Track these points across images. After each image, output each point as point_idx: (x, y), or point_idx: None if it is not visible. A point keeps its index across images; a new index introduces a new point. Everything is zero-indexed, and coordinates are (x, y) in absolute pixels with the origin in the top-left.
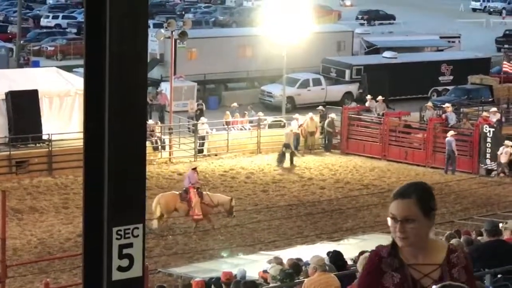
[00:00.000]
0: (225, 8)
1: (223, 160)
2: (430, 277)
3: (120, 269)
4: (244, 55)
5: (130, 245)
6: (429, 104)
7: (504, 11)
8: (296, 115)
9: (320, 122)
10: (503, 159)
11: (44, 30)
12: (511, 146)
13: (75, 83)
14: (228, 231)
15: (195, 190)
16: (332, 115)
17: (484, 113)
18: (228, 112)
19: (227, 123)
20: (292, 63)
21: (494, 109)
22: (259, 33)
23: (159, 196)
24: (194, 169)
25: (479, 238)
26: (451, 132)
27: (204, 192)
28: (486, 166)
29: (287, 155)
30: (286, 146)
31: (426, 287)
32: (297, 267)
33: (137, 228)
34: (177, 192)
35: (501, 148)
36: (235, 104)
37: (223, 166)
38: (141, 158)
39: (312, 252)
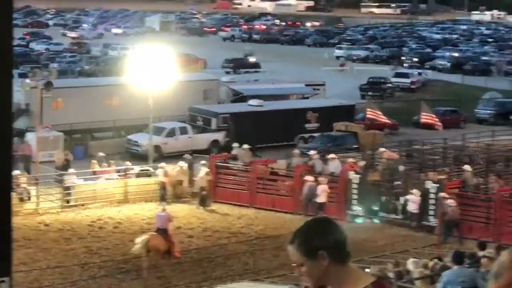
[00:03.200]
0: (90, 57)
1: (90, 210)
2: None
3: None
4: (111, 104)
5: None
6: (296, 151)
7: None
8: (163, 164)
9: (189, 170)
10: (413, 207)
11: None
12: (313, 180)
13: None
14: (95, 281)
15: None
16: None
17: (350, 159)
18: (94, 161)
19: (94, 173)
20: (159, 112)
21: (333, 156)
22: (125, 82)
23: (146, 238)
24: (164, 210)
25: None
26: (309, 177)
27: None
28: (352, 212)
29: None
30: (202, 189)
31: None
32: None
33: (4, 281)
34: (154, 233)
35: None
36: (101, 154)
37: (91, 216)
38: (7, 209)
39: None
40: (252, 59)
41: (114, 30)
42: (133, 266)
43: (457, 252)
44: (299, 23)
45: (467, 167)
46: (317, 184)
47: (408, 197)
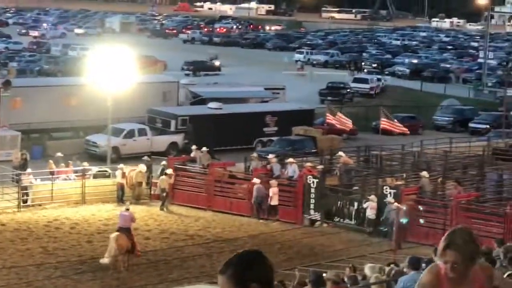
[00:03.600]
0: (50, 57)
1: (47, 211)
2: None
3: None
4: (69, 104)
5: None
6: (254, 154)
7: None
8: (121, 165)
9: (146, 172)
10: (370, 213)
11: None
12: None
13: None
14: (51, 282)
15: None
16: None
17: (308, 164)
18: (51, 161)
19: (52, 173)
20: (118, 113)
21: (291, 160)
22: (85, 82)
23: (115, 237)
24: (128, 209)
25: None
26: (256, 180)
27: None
28: (310, 217)
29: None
30: (163, 190)
31: None
32: None
33: None
34: (118, 233)
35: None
36: (59, 154)
37: (47, 216)
38: None
39: None
40: (217, 63)
41: (76, 30)
42: (89, 267)
43: (413, 257)
44: (260, 27)
45: (424, 174)
46: (266, 187)
47: (365, 203)
